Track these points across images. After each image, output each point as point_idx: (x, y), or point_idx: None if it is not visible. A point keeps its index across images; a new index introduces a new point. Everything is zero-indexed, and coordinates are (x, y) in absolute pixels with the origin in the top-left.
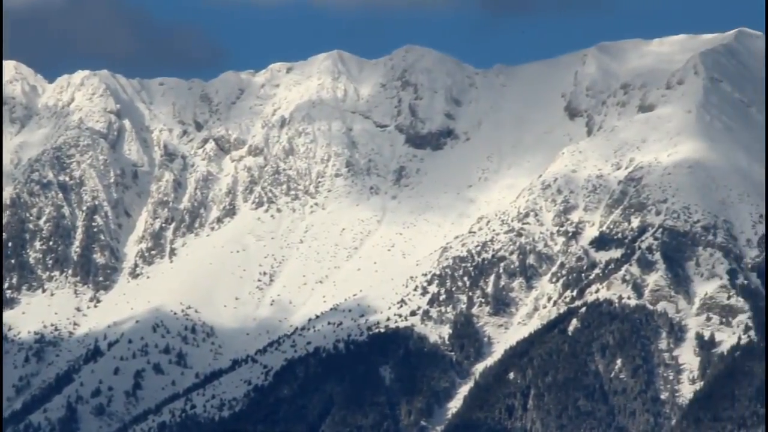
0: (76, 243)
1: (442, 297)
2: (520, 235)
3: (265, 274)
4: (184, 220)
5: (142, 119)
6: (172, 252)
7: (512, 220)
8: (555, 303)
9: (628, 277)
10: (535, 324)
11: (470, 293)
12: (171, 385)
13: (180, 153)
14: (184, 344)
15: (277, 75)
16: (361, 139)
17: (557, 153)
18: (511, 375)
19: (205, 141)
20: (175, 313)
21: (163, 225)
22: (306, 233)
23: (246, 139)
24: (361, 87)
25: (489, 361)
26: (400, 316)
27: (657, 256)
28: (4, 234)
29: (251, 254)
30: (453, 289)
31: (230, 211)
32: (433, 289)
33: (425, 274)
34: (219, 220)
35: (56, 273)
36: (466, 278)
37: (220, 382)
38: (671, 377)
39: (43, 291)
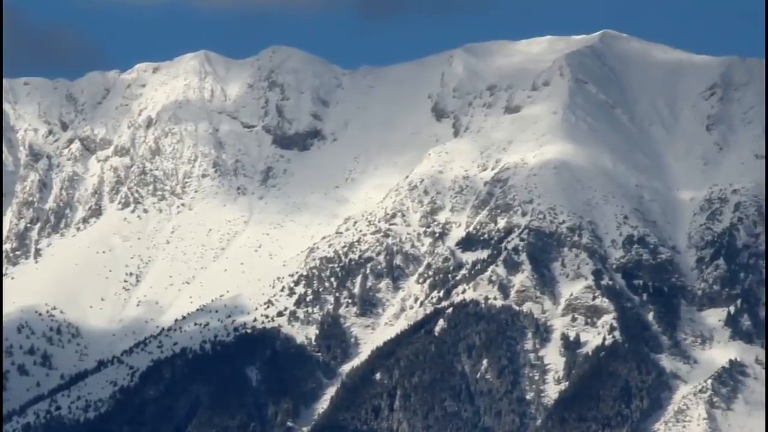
0: None
1: (309, 298)
2: (386, 235)
3: (131, 274)
4: (49, 221)
5: (7, 119)
6: (38, 252)
7: (379, 221)
8: (422, 304)
9: (494, 278)
10: (401, 325)
11: (337, 294)
12: (36, 386)
13: (45, 153)
14: (50, 345)
15: (144, 75)
16: (228, 140)
17: (424, 154)
18: (378, 376)
19: (71, 141)
20: (40, 314)
21: (28, 225)
22: (173, 234)
23: (112, 139)
24: (228, 87)
25: (356, 362)
26: (266, 316)
27: (523, 257)
28: None
29: (117, 255)
30: (320, 289)
31: (96, 212)
32: (300, 289)
33: (292, 275)
34: (85, 221)
35: None
36: (332, 279)
37: (86, 383)
38: (537, 377)
39: None
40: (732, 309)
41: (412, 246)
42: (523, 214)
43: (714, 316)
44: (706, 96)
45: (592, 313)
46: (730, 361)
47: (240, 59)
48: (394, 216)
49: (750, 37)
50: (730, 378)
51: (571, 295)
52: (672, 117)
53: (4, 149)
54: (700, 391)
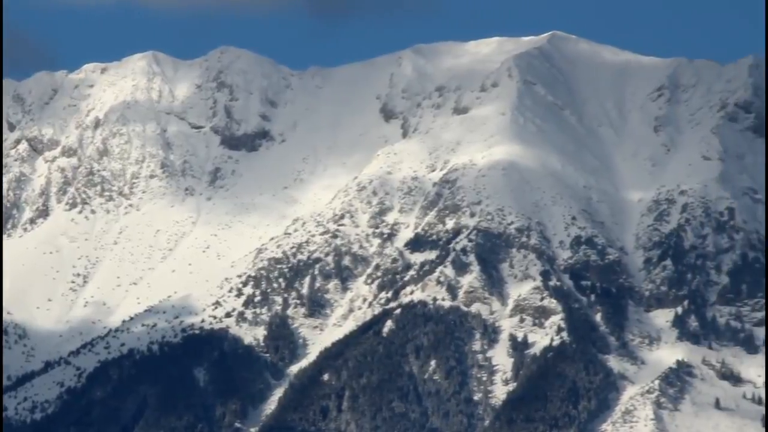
0: None
1: (257, 298)
2: (335, 236)
3: (78, 275)
4: None
5: None
6: None
7: (328, 222)
8: (370, 304)
9: (442, 279)
10: (350, 325)
11: (285, 295)
12: None
13: None
14: None
15: (92, 75)
16: (176, 141)
17: (373, 155)
18: (326, 376)
19: (18, 141)
20: None
21: None
22: (120, 234)
23: (60, 139)
24: (177, 88)
25: (304, 363)
26: (214, 317)
27: (471, 257)
28: None
29: (65, 255)
30: (268, 290)
31: (43, 212)
32: (248, 290)
33: (240, 276)
34: (32, 221)
35: None
36: (281, 280)
37: (33, 384)
38: (485, 378)
39: None
40: (679, 310)
41: (361, 247)
42: (472, 215)
43: (661, 317)
44: (654, 97)
45: (540, 314)
46: (678, 361)
47: (188, 60)
48: (342, 217)
49: (698, 39)
50: (677, 379)
51: (519, 296)
52: (620, 118)
53: None
54: (648, 391)
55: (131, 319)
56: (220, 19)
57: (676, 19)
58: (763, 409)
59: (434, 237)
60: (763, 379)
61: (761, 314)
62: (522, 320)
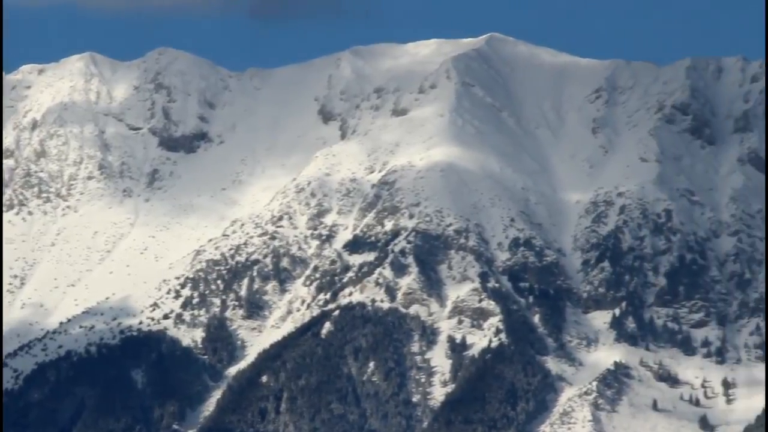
0: None
1: (196, 300)
2: (273, 238)
3: (16, 277)
4: None
5: None
6: None
7: (266, 224)
8: (308, 306)
9: (381, 281)
10: (288, 327)
11: (223, 296)
12: None
13: None
14: None
15: (29, 77)
16: (114, 142)
17: (311, 156)
18: (264, 378)
19: None
20: None
21: None
22: (58, 236)
23: None
24: (114, 89)
25: (242, 365)
26: (152, 319)
27: (410, 259)
28: None
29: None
30: (206, 292)
31: None
32: (186, 292)
33: (178, 278)
34: None
35: None
36: (219, 281)
37: None
38: (423, 380)
39: None
40: (617, 311)
41: (299, 248)
42: (410, 217)
43: (599, 319)
44: (592, 99)
45: (479, 316)
46: (615, 363)
47: (126, 61)
48: (281, 218)
49: (635, 41)
50: (614, 380)
51: (458, 297)
52: (558, 120)
53: None
54: (585, 393)
55: (69, 320)
56: (158, 20)
57: (614, 21)
58: (699, 410)
59: (373, 239)
60: (700, 380)
61: (698, 316)
62: (460, 322)
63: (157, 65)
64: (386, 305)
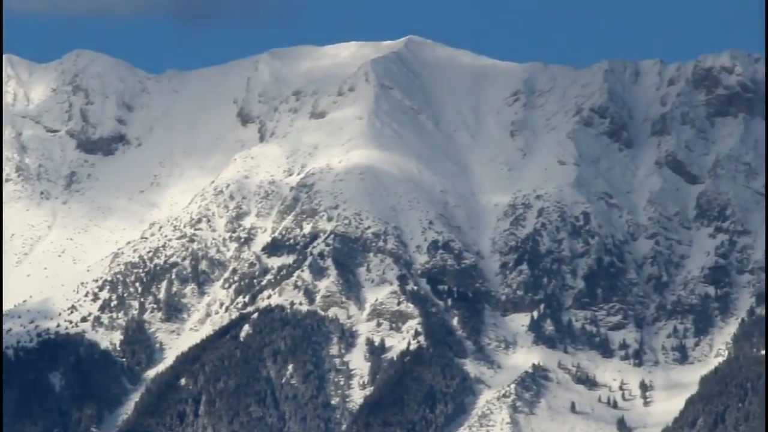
0: None
1: (114, 303)
2: (192, 240)
3: None
4: None
5: None
6: None
7: (185, 226)
8: (227, 309)
9: (299, 283)
10: (207, 330)
11: (142, 299)
12: None
13: None
14: None
15: None
16: (31, 144)
17: (230, 159)
18: (183, 381)
19: None
20: None
21: None
22: None
23: None
24: (31, 91)
25: (160, 367)
26: (70, 322)
27: (329, 262)
28: None
29: None
30: (125, 295)
31: None
32: (104, 295)
33: (96, 280)
34: None
35: None
36: (137, 284)
37: None
38: (342, 383)
39: None
40: (535, 314)
41: (218, 251)
42: (329, 220)
43: (517, 321)
44: (510, 102)
45: (397, 318)
46: (533, 365)
47: (43, 63)
48: (199, 221)
49: (553, 44)
50: (533, 383)
51: (377, 300)
52: (476, 123)
53: None
54: (504, 395)
55: None
56: (76, 22)
57: (532, 24)
58: (617, 412)
59: (291, 241)
60: (617, 383)
61: (616, 318)
62: (379, 324)
63: (75, 67)
64: (305, 308)
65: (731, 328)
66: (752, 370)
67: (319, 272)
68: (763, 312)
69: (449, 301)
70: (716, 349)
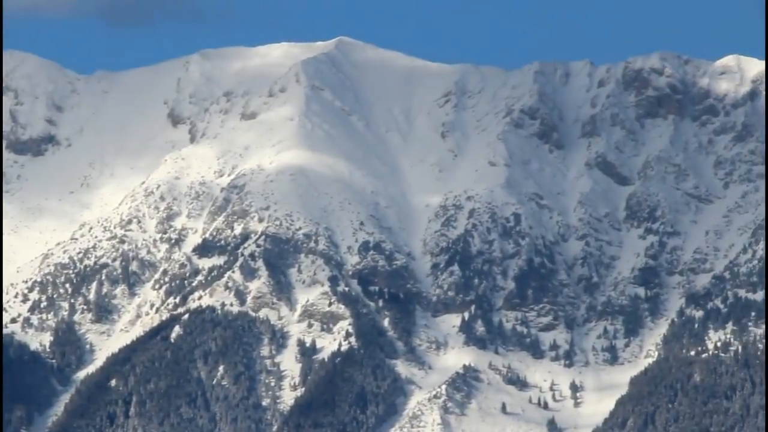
0: None
1: (44, 304)
2: (122, 242)
3: None
4: None
5: None
6: None
7: (115, 227)
8: (157, 310)
9: (230, 284)
10: (137, 331)
11: (72, 300)
12: None
13: None
14: None
15: None
16: None
17: (160, 160)
18: (113, 382)
19: None
20: None
21: None
22: None
23: None
24: None
25: (91, 369)
26: None
27: (260, 263)
28: None
29: None
30: (54, 296)
31: None
32: (34, 296)
33: (26, 281)
34: None
35: None
36: (67, 285)
37: None
38: (273, 384)
39: None
40: (466, 315)
41: (148, 252)
42: (260, 221)
43: (448, 322)
44: (441, 103)
45: (329, 319)
46: (464, 366)
47: None
48: (130, 222)
49: (484, 46)
50: (464, 383)
51: (308, 301)
52: (407, 124)
53: None
54: (435, 396)
55: None
56: (6, 22)
57: (463, 25)
58: (548, 413)
59: (222, 242)
60: (548, 383)
61: (546, 319)
62: (310, 325)
63: (4, 68)
64: (236, 309)
65: (661, 329)
66: (682, 371)
67: (250, 273)
68: (693, 313)
69: (380, 302)
70: (646, 350)
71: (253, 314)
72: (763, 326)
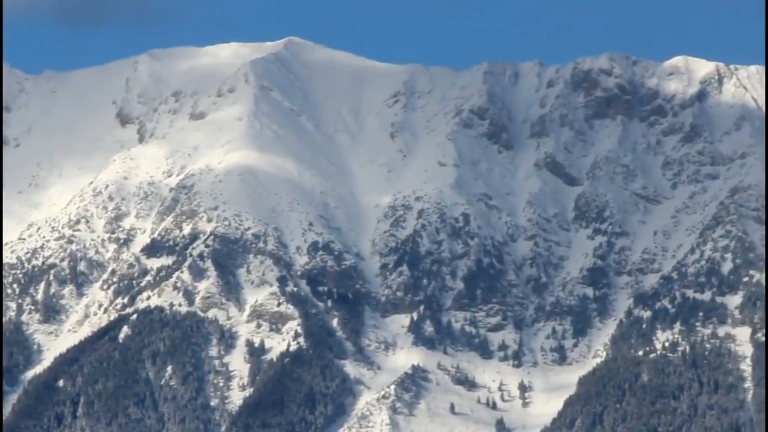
0: None
1: None
2: (71, 242)
3: None
4: None
5: None
6: None
7: (63, 227)
8: (106, 310)
9: (179, 284)
10: (85, 331)
11: (20, 300)
12: None
13: None
14: None
15: None
16: None
17: (109, 160)
18: (61, 383)
19: None
20: None
21: None
22: None
23: None
24: None
25: (38, 369)
26: None
27: (208, 263)
28: None
29: None
30: (2, 296)
31: None
32: None
33: None
34: None
35: None
36: (15, 285)
37: None
38: (221, 384)
39: None
40: (415, 315)
41: (97, 252)
42: (209, 221)
43: (397, 322)
44: (390, 104)
45: (277, 320)
46: (413, 366)
47: None
48: (78, 222)
49: (432, 46)
50: (412, 384)
51: (256, 301)
52: (356, 124)
53: None
54: (384, 396)
55: None
56: None
57: (411, 25)
58: (497, 413)
59: (171, 242)
60: (497, 384)
61: (495, 319)
62: (259, 326)
63: None
64: (184, 309)
65: (609, 329)
66: (630, 371)
67: (198, 273)
68: (641, 313)
69: (329, 303)
70: (594, 350)
71: (202, 314)
72: (711, 326)
